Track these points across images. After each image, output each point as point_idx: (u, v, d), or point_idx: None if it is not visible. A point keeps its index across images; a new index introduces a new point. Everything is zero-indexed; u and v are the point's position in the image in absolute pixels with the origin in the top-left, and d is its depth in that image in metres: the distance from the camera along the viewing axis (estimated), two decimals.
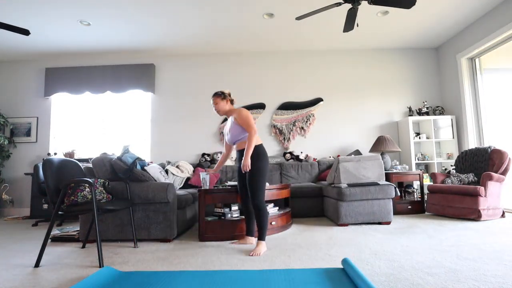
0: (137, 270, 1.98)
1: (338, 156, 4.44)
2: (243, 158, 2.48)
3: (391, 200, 3.42)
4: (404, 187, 4.65)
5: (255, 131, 2.47)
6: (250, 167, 2.42)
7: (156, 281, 1.72)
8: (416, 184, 4.96)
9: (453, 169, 4.24)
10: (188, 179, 4.60)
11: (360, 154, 5.02)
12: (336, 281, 1.67)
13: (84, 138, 5.49)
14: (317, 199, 4.11)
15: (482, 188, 3.42)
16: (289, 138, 5.32)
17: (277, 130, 5.35)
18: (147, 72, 5.43)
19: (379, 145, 4.59)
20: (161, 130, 5.42)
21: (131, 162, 2.99)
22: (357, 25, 3.46)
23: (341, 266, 1.93)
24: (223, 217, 2.96)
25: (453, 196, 3.67)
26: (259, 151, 2.50)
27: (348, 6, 4.10)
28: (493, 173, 3.49)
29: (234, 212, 3.05)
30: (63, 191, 2.19)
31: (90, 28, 4.51)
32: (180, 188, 4.48)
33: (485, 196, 3.42)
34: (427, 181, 4.91)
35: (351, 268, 1.72)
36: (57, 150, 5.43)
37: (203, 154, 5.19)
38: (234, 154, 5.20)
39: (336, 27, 4.68)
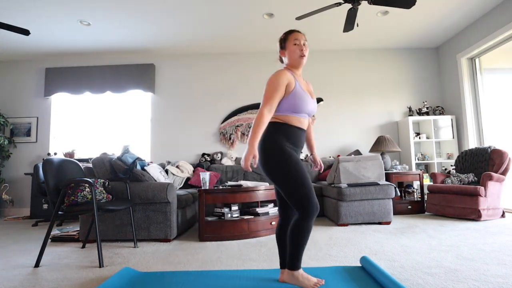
0: (137, 270, 1.98)
1: (338, 156, 4.43)
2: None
3: (391, 200, 3.42)
4: (404, 187, 4.65)
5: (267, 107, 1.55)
6: (257, 163, 1.51)
7: (173, 281, 1.72)
8: (416, 184, 4.96)
9: (453, 169, 4.24)
10: (188, 179, 4.60)
11: (360, 154, 5.02)
12: (357, 279, 1.68)
13: (84, 138, 5.49)
14: (317, 199, 4.10)
15: (482, 188, 3.41)
16: None
17: None
18: (147, 72, 5.43)
19: (379, 145, 4.59)
20: (161, 130, 5.42)
21: (131, 162, 2.99)
22: (357, 25, 3.46)
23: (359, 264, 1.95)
24: (223, 217, 2.96)
25: (453, 196, 3.67)
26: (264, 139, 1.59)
27: (348, 6, 4.10)
28: (493, 173, 3.49)
29: (234, 212, 3.05)
30: (63, 191, 2.19)
31: (90, 28, 4.51)
32: (180, 188, 4.48)
33: (485, 196, 3.42)
34: (427, 181, 4.91)
35: (372, 266, 1.74)
36: (57, 150, 5.43)
37: (203, 154, 5.19)
38: (233, 153, 5.20)
39: (336, 27, 4.67)
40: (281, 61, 1.76)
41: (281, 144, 1.56)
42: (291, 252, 1.51)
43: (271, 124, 1.61)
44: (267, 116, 1.53)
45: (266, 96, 1.56)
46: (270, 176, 1.56)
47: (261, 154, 1.58)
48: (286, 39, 1.68)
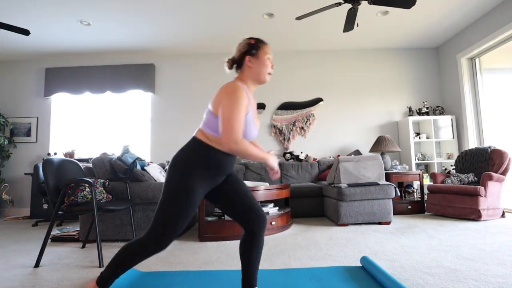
0: (138, 270, 1.98)
1: (338, 156, 4.43)
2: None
3: (391, 200, 3.42)
4: (404, 187, 4.65)
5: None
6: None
7: (173, 281, 1.72)
8: (416, 184, 4.96)
9: (453, 169, 4.24)
10: None
11: (360, 154, 5.02)
12: (358, 279, 1.69)
13: (84, 138, 5.49)
14: (317, 199, 4.10)
15: (482, 188, 3.41)
16: (289, 138, 5.32)
17: (277, 130, 5.35)
18: (147, 72, 5.43)
19: (379, 145, 4.59)
20: (161, 130, 5.42)
21: (131, 162, 2.99)
22: (357, 25, 3.46)
23: (360, 264, 1.95)
24: (223, 217, 2.96)
25: (453, 196, 3.67)
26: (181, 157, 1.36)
27: (348, 6, 4.10)
28: (493, 173, 3.49)
29: None
30: (63, 191, 2.19)
31: (90, 28, 4.51)
32: None
33: (485, 196, 3.42)
34: (427, 181, 4.91)
35: (372, 266, 1.74)
36: (57, 150, 5.43)
37: None
38: None
39: (336, 27, 4.67)
40: (232, 67, 1.48)
41: (191, 169, 1.31)
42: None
43: (196, 143, 1.35)
44: (243, 144, 1.26)
45: (229, 120, 1.25)
46: (163, 188, 1.32)
47: (170, 167, 1.33)
48: (260, 47, 1.44)
